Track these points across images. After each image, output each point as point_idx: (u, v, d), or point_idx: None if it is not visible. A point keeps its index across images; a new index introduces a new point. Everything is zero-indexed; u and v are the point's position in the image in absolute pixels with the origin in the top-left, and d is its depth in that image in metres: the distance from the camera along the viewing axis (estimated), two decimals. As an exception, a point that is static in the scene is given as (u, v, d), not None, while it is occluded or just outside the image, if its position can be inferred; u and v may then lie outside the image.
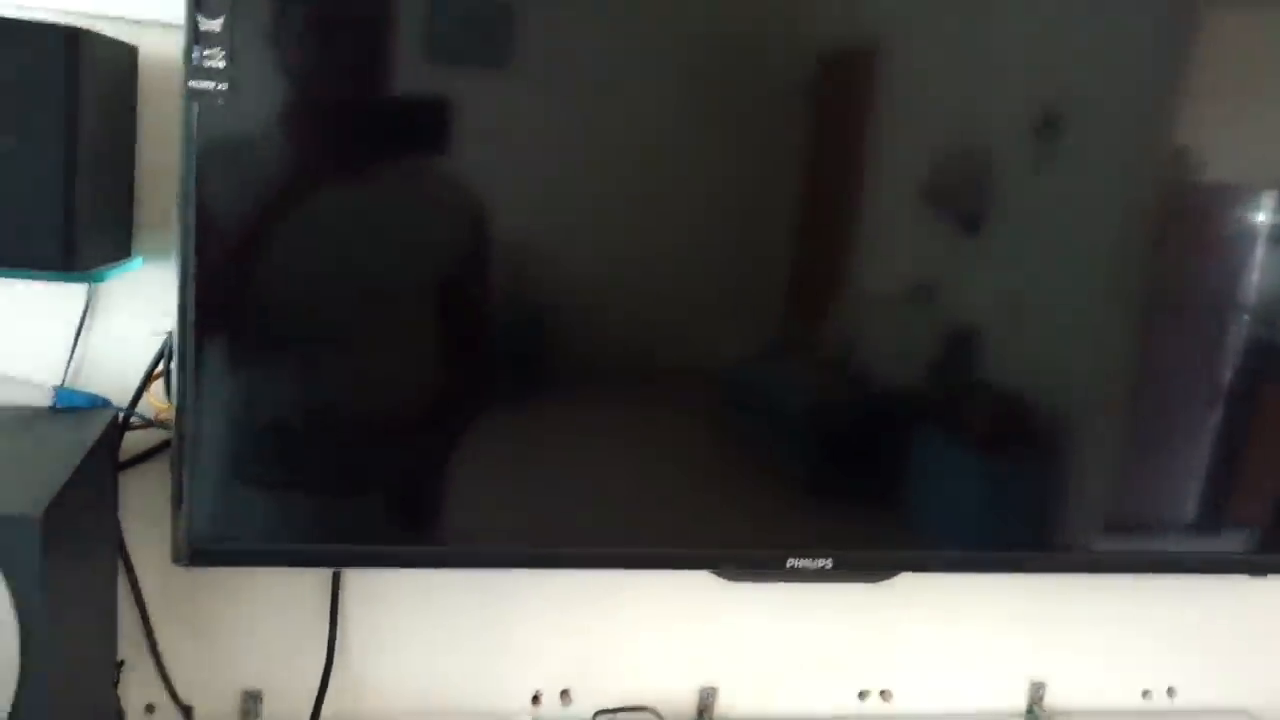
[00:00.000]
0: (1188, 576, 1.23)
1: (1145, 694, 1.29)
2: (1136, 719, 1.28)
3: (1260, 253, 1.08)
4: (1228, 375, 1.10)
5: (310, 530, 0.96)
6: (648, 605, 1.14)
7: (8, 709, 0.70)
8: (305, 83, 0.86)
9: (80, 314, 0.96)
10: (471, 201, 0.91)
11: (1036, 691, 1.26)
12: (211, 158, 0.84)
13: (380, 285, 0.92)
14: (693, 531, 1.03)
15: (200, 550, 0.92)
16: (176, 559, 0.92)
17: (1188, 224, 1.07)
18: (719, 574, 1.06)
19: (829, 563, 1.05)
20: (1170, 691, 1.29)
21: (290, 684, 1.07)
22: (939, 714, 1.23)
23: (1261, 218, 1.07)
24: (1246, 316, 1.09)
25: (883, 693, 1.22)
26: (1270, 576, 1.22)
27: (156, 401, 0.97)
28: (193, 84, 0.82)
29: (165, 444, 0.98)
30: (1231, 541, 1.15)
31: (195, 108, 0.82)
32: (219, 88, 0.82)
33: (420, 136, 0.90)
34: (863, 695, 1.22)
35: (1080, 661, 1.26)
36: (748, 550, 1.05)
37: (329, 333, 0.92)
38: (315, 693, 1.06)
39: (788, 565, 1.05)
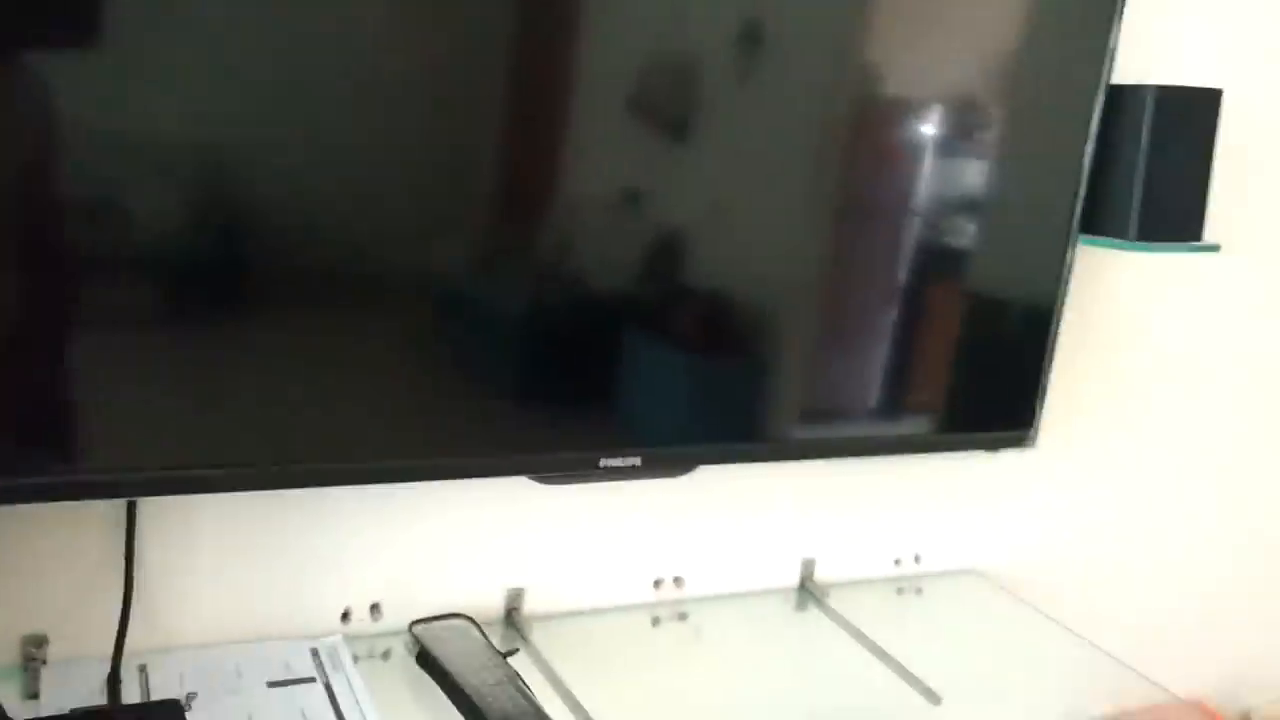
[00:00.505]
0: (933, 456, 1.37)
1: (896, 561, 1.43)
2: (890, 583, 1.43)
3: (931, 163, 1.19)
4: (898, 273, 1.21)
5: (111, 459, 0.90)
6: (453, 514, 1.15)
7: None
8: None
9: None
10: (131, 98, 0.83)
11: (808, 567, 1.37)
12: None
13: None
14: (503, 440, 1.05)
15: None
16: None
17: (872, 135, 1.16)
18: (536, 479, 1.08)
19: (638, 460, 1.10)
20: (917, 558, 1.44)
21: (82, 625, 1.00)
22: (726, 594, 1.32)
23: (934, 130, 1.18)
24: (920, 221, 1.20)
25: (676, 579, 1.29)
26: (1002, 452, 1.40)
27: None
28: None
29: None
30: (917, 425, 1.28)
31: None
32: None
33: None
34: (657, 584, 1.28)
35: (842, 537, 1.38)
36: (560, 454, 1.08)
37: None
38: (115, 631, 1.00)
39: (600, 465, 1.09)
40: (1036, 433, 1.33)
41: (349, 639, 1.10)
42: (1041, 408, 1.32)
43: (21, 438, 0.87)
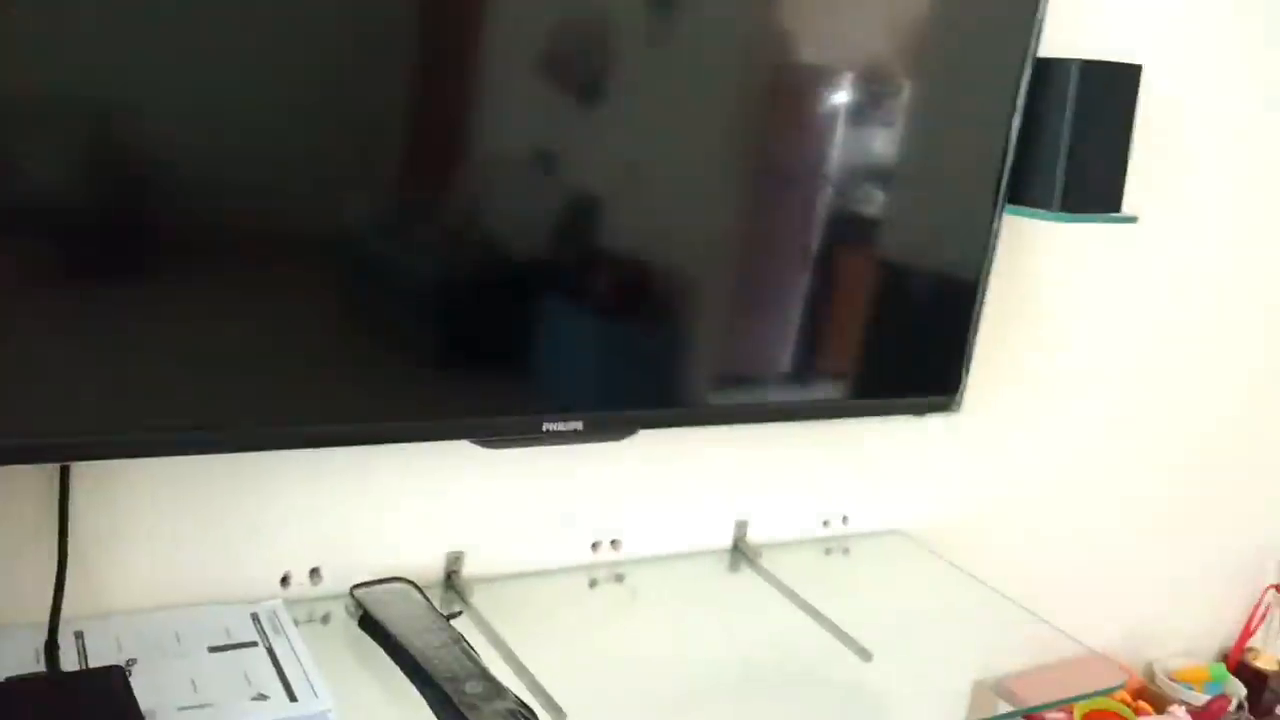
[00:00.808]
0: (859, 420, 1.40)
1: (825, 523, 1.47)
2: (819, 544, 1.46)
3: (849, 131, 1.20)
4: (815, 240, 1.22)
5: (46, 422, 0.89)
6: (392, 477, 1.15)
7: None
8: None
9: None
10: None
11: (741, 529, 1.39)
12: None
13: None
14: (444, 405, 1.05)
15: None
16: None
17: (790, 101, 1.16)
18: (478, 443, 1.08)
19: (579, 425, 1.12)
20: (845, 519, 1.48)
21: (16, 593, 0.98)
22: (661, 555, 1.34)
23: (853, 98, 1.19)
24: (837, 188, 1.21)
25: (613, 542, 1.31)
26: (928, 416, 1.43)
27: None
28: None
29: None
30: (843, 390, 1.30)
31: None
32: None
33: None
34: (595, 546, 1.30)
35: (773, 499, 1.41)
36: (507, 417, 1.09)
37: None
38: (50, 598, 0.98)
39: (544, 429, 1.10)
40: (962, 398, 1.37)
41: (289, 603, 1.09)
42: (967, 374, 1.36)
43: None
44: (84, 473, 0.99)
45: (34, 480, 0.98)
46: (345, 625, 1.08)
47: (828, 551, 1.46)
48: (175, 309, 0.91)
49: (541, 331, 1.08)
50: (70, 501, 0.99)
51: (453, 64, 0.98)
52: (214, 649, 0.99)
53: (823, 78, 1.17)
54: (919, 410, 1.40)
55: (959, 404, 1.38)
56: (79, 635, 0.99)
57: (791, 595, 1.29)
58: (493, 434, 1.08)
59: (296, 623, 1.06)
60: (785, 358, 1.25)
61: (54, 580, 0.98)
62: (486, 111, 1.00)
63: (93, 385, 0.89)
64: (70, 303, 0.87)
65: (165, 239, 0.89)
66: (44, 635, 0.97)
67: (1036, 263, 1.51)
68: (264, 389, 0.96)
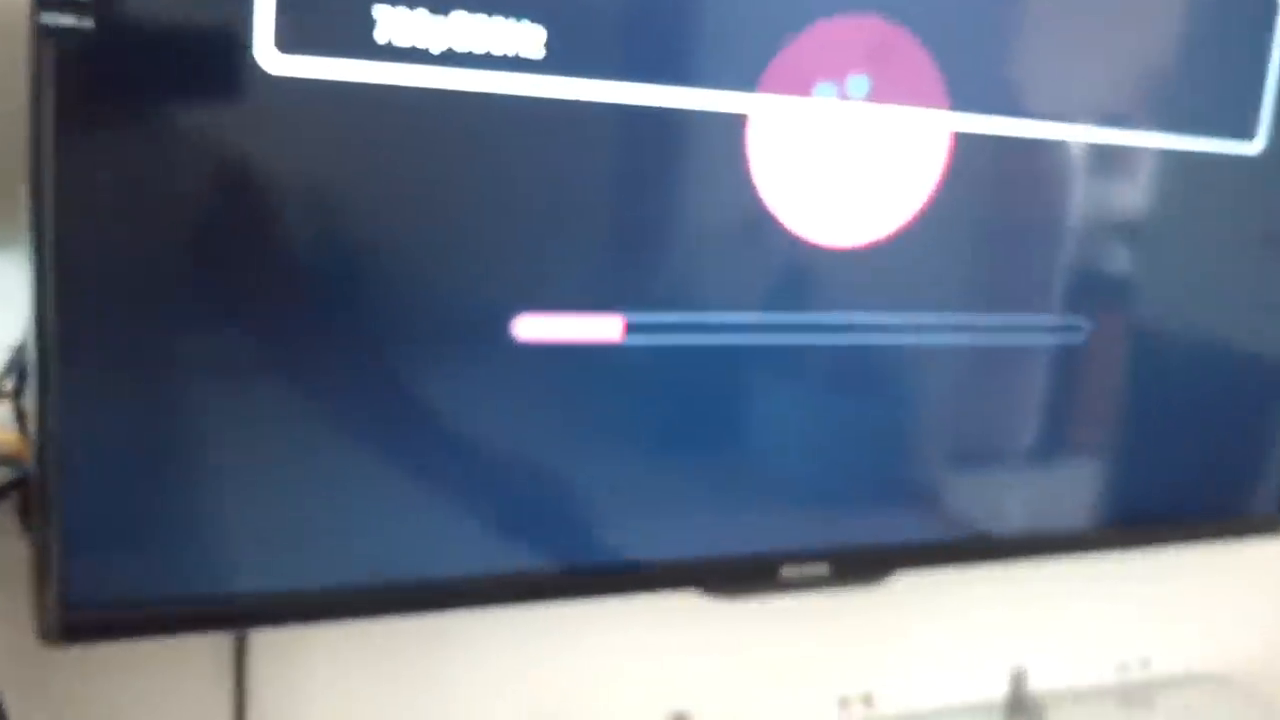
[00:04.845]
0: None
1: (1121, 667, 1.24)
2: (1114, 694, 1.23)
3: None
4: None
5: (222, 580, 0.77)
6: (607, 634, 1.00)
7: None
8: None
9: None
10: None
11: (1018, 678, 1.19)
12: (74, 115, 0.64)
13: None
14: (662, 544, 0.89)
15: (79, 623, 0.73)
16: (46, 635, 0.72)
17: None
18: (709, 593, 0.91)
19: (824, 569, 0.93)
20: (1145, 663, 1.25)
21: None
22: (923, 713, 1.15)
23: None
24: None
25: (864, 698, 1.12)
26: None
27: (2, 433, 0.76)
28: (45, 18, 0.61)
29: (17, 484, 0.77)
30: (1128, 511, 1.07)
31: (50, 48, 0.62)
32: (83, 23, 0.62)
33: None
34: (844, 704, 1.12)
35: (1057, 640, 1.20)
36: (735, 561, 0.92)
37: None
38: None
39: (780, 575, 0.92)
40: (1291, 515, 1.12)
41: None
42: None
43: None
44: (260, 637, 0.88)
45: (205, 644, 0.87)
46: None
47: (1126, 702, 1.23)
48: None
49: (773, 447, 0.91)
50: (246, 669, 0.88)
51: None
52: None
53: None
54: (1238, 532, 1.15)
55: (1287, 522, 1.13)
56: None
57: (1088, 763, 1.07)
58: (719, 584, 0.91)
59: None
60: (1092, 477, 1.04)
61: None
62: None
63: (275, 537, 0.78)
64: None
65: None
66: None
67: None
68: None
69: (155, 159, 0.69)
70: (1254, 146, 1.00)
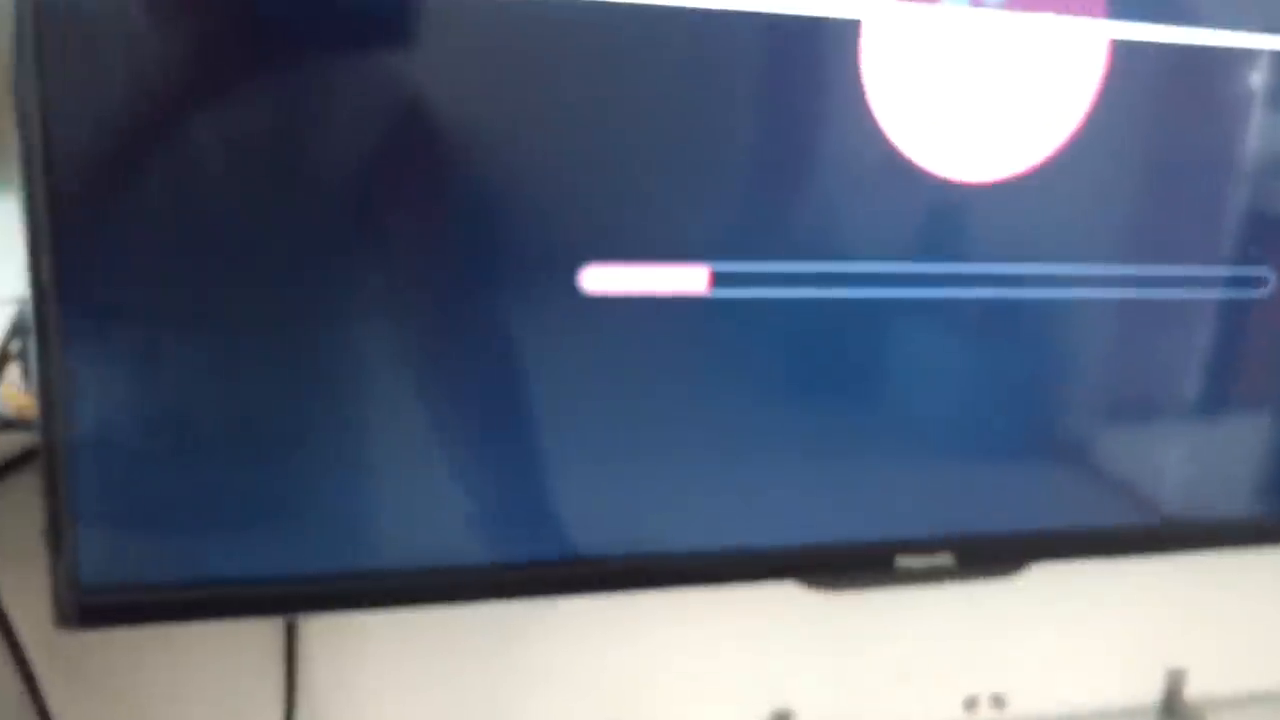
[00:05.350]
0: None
1: (1295, 672, 1.08)
2: (1286, 702, 1.08)
3: None
4: None
5: (251, 564, 0.69)
6: (697, 625, 0.90)
7: None
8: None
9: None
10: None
11: (1174, 680, 1.04)
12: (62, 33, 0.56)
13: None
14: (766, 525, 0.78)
15: (94, 606, 0.66)
16: (62, 620, 0.66)
17: None
18: (812, 584, 0.80)
19: (949, 559, 0.81)
20: (1323, 668, 1.09)
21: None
22: (1061, 717, 1.01)
23: None
24: None
25: (994, 698, 0.99)
26: None
27: (13, 393, 0.69)
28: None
29: (33, 452, 0.70)
30: None
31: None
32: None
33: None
34: (970, 705, 0.99)
35: (1218, 639, 1.06)
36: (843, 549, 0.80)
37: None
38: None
39: (897, 566, 0.80)
40: None
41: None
42: None
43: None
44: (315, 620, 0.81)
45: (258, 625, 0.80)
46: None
47: (1299, 712, 1.07)
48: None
49: (888, 418, 0.79)
50: (297, 654, 0.80)
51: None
52: None
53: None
54: None
55: None
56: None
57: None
58: (826, 574, 0.80)
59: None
60: (1253, 452, 0.89)
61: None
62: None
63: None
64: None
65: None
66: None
67: None
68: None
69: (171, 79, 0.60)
70: None
